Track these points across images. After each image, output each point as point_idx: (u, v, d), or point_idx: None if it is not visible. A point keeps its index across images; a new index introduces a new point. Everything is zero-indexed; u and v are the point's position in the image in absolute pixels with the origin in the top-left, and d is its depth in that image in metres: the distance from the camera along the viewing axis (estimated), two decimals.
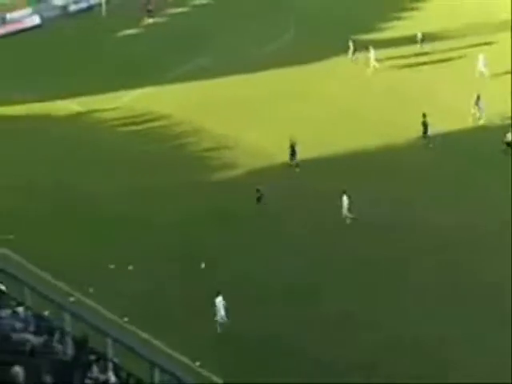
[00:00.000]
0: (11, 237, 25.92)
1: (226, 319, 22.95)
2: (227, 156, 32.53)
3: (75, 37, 48.31)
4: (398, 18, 49.87)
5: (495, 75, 38.11)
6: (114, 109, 37.34)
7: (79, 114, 36.82)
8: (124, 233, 27.28)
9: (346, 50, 42.18)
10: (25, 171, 31.25)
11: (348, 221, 27.66)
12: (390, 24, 49.15)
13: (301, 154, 31.97)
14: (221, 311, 23.02)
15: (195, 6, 55.58)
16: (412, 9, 51.37)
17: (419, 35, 43.08)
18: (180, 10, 54.77)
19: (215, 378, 21.03)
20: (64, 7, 54.38)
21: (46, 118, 36.39)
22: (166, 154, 32.55)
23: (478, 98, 34.66)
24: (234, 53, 43.76)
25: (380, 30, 48.01)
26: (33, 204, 28.72)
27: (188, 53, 44.38)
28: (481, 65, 38.48)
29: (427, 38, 43.25)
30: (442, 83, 38.10)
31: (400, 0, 52.94)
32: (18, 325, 17.15)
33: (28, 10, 52.08)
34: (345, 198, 27.61)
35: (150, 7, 53.09)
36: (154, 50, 45.41)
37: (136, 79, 40.18)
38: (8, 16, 50.62)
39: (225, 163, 32.16)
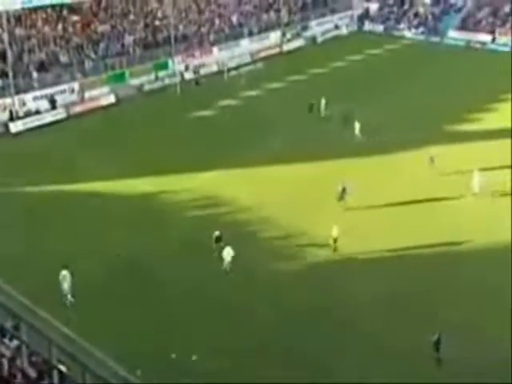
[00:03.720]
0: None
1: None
2: (293, 246, 32.42)
3: (149, 116, 50.59)
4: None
5: None
6: (183, 191, 38.12)
7: (149, 195, 37.68)
8: (190, 318, 27.48)
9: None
10: (89, 247, 32.05)
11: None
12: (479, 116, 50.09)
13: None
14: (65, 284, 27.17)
15: (268, 90, 57.75)
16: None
17: None
18: (253, 93, 57.01)
19: None
20: (139, 86, 57.47)
21: (116, 197, 37.44)
22: (231, 241, 32.25)
23: None
24: (308, 138, 44.75)
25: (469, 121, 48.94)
26: (98, 281, 29.30)
27: (259, 136, 45.65)
28: None
29: None
30: None
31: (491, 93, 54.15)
32: None
33: (105, 89, 55.33)
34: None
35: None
36: (226, 132, 46.98)
37: (207, 161, 41.35)
38: (86, 94, 53.92)
39: (290, 254, 32.01)
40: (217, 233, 31.63)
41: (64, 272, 27.81)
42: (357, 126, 44.48)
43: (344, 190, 35.61)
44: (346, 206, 35.52)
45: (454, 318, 26.75)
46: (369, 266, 30.94)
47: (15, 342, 21.34)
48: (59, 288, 27.84)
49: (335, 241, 31.85)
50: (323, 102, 50.14)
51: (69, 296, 27.88)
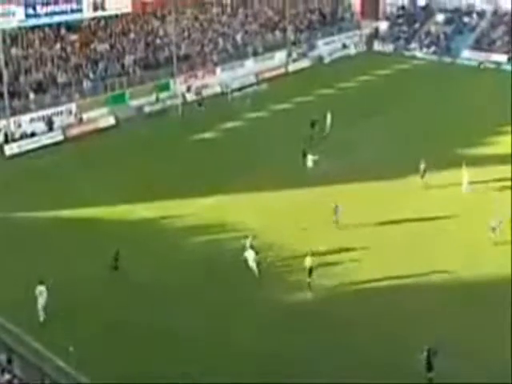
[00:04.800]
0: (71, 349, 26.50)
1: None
2: (301, 275, 31.99)
3: (149, 138, 50.85)
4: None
5: None
6: (183, 216, 38.11)
7: (149, 220, 37.69)
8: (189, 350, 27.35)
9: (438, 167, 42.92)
10: (86, 276, 31.86)
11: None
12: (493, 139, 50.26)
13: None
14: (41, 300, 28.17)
15: (273, 112, 58.04)
16: None
17: None
18: (258, 114, 57.26)
19: None
20: (140, 108, 57.84)
21: (114, 223, 37.42)
22: (234, 269, 32.55)
23: None
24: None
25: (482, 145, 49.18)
26: (91, 314, 29.17)
27: (263, 160, 45.83)
28: None
29: None
30: None
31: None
32: None
33: (104, 110, 55.70)
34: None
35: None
36: (229, 155, 47.29)
37: (209, 185, 41.47)
38: (85, 116, 54.29)
39: (297, 283, 31.77)
40: (249, 239, 33.00)
41: (40, 287, 28.48)
42: (310, 158, 43.86)
43: (337, 207, 36.59)
44: (339, 223, 36.49)
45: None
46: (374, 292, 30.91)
47: (7, 376, 21.36)
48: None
49: (310, 272, 31.25)
50: (329, 118, 50.65)
51: (41, 313, 28.51)
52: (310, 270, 31.18)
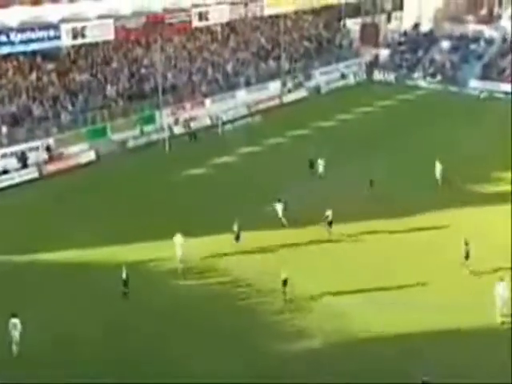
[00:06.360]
0: None
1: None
2: (299, 322, 31.55)
3: (133, 175, 50.31)
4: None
5: None
6: (168, 259, 37.17)
7: (134, 264, 36.23)
8: None
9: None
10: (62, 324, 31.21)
11: None
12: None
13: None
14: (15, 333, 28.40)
15: (267, 146, 57.67)
16: None
17: None
18: (251, 149, 56.88)
19: None
20: (122, 142, 57.25)
21: (96, 267, 36.64)
22: (222, 317, 31.95)
23: None
24: (308, 202, 43.95)
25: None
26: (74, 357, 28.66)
27: (256, 198, 45.07)
28: None
29: None
30: None
31: None
32: None
33: (84, 145, 55.05)
34: None
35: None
36: (219, 193, 46.59)
37: (196, 226, 40.61)
38: (63, 151, 53.53)
39: (296, 331, 31.04)
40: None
41: (14, 320, 28.69)
42: (279, 206, 41.97)
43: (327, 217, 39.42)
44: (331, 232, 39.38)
45: None
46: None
47: None
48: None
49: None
50: (321, 165, 49.36)
51: (15, 347, 28.75)
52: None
